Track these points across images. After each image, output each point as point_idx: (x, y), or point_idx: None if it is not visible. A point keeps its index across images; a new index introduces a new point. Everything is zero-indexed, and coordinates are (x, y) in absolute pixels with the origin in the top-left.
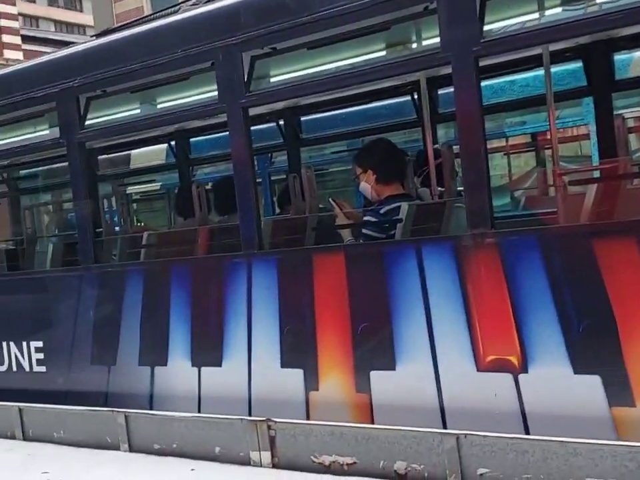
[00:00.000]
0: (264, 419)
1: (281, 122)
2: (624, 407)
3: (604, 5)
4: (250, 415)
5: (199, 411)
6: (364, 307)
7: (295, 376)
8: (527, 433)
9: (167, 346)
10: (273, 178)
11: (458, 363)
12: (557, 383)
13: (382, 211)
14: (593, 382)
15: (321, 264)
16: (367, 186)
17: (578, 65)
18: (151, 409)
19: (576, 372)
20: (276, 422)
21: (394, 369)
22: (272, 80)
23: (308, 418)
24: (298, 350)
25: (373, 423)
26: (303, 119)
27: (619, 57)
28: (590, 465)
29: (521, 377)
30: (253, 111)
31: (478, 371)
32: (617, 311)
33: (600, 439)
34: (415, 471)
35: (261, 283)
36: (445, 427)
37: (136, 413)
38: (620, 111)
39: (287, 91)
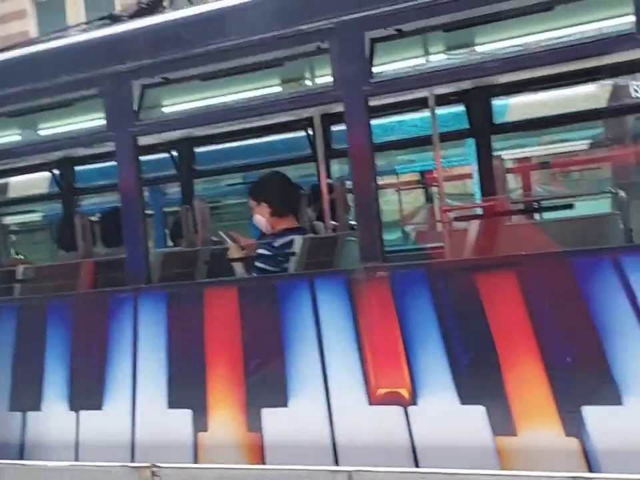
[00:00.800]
0: (148, 464)
1: (174, 153)
2: (506, 436)
3: (483, 54)
4: (133, 460)
5: (77, 459)
6: (256, 343)
7: (183, 417)
8: (417, 465)
9: (41, 389)
10: (165, 210)
11: (350, 397)
12: (445, 414)
13: (276, 244)
14: (478, 412)
15: (212, 298)
16: (261, 219)
17: (461, 108)
18: (21, 458)
19: (462, 403)
20: (160, 467)
21: (286, 406)
22: (164, 110)
23: (196, 461)
24: (186, 389)
25: (264, 462)
26: (197, 150)
27: (497, 102)
28: None
29: (410, 409)
30: (144, 141)
31: (370, 404)
32: (498, 342)
33: (485, 468)
34: None
35: (148, 319)
36: (337, 464)
37: (3, 463)
38: (499, 152)
39: (178, 121)
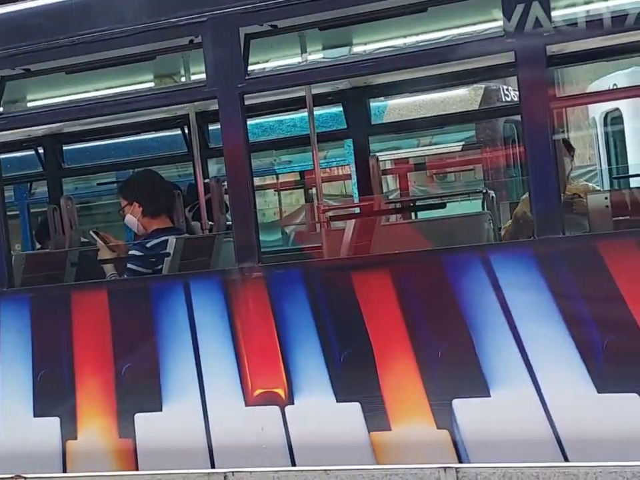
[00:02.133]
0: (12, 475)
1: (40, 150)
2: (381, 432)
3: (359, 53)
4: None
5: None
6: (128, 347)
7: (50, 425)
8: (294, 464)
9: None
10: (32, 210)
11: (226, 398)
12: (321, 412)
13: (148, 245)
14: (354, 409)
15: (80, 302)
16: (132, 219)
17: (339, 109)
18: None
19: (338, 400)
20: (27, 478)
21: (160, 410)
22: (27, 104)
23: (65, 470)
24: (54, 397)
25: (137, 469)
26: (66, 147)
27: (375, 104)
28: None
29: (288, 408)
30: (7, 138)
31: (246, 405)
32: (373, 340)
33: (361, 463)
34: None
35: (11, 325)
36: (213, 466)
37: None
38: (377, 153)
39: (40, 115)
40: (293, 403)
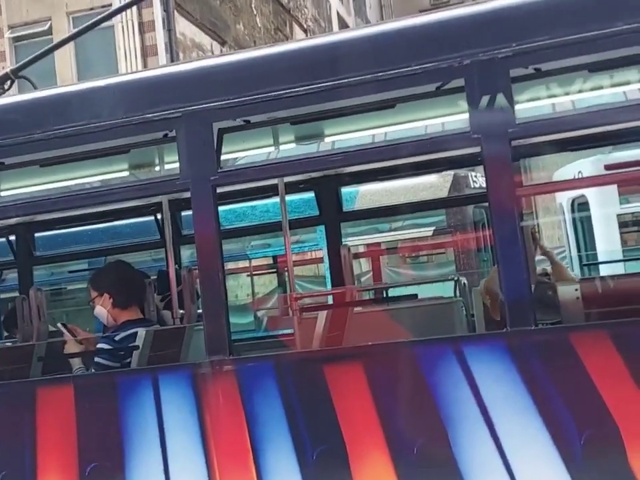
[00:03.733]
0: None
1: (12, 237)
2: None
3: (331, 147)
4: None
5: None
6: (94, 445)
7: None
8: None
9: None
10: (1, 297)
11: None
12: None
13: (117, 338)
14: None
15: (45, 398)
16: (102, 310)
17: (311, 195)
18: None
19: None
20: None
21: None
22: (2, 194)
23: None
24: None
25: None
26: (38, 235)
27: (346, 190)
28: None
29: None
30: None
31: None
32: (346, 436)
33: None
34: None
35: None
36: None
37: None
38: (351, 237)
39: (13, 207)
40: None
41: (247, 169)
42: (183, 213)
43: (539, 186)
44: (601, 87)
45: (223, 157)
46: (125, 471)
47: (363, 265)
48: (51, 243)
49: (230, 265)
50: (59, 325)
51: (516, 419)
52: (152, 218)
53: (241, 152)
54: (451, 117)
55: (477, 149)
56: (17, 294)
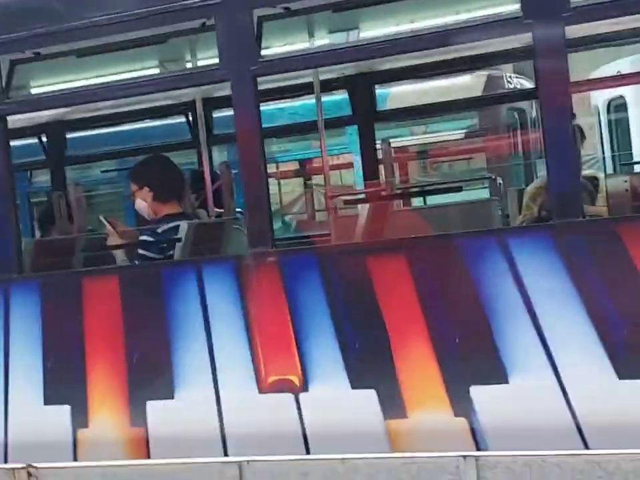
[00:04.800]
0: (23, 465)
1: (44, 138)
2: (397, 419)
3: (370, 38)
4: (7, 461)
5: None
6: (140, 334)
7: (61, 413)
8: (308, 452)
9: None
10: (33, 200)
11: (240, 386)
12: (336, 399)
13: (159, 230)
14: (369, 396)
15: (91, 288)
16: (143, 204)
17: (344, 95)
18: None
19: (353, 387)
20: (37, 467)
21: (172, 398)
22: (32, 90)
23: (76, 459)
24: (64, 384)
25: (149, 457)
26: (69, 135)
27: (379, 90)
28: (369, 479)
29: (302, 396)
30: (12, 124)
31: (260, 392)
32: (389, 326)
33: (377, 452)
34: None
35: (21, 311)
36: (226, 455)
37: None
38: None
39: (46, 100)
40: (307, 390)
41: (289, 57)
42: (214, 114)
43: (589, 82)
44: None
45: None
46: (170, 358)
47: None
48: (83, 143)
49: None
50: (101, 217)
51: (559, 311)
52: (183, 119)
53: (280, 46)
54: (497, 8)
55: (527, 38)
56: (43, 198)
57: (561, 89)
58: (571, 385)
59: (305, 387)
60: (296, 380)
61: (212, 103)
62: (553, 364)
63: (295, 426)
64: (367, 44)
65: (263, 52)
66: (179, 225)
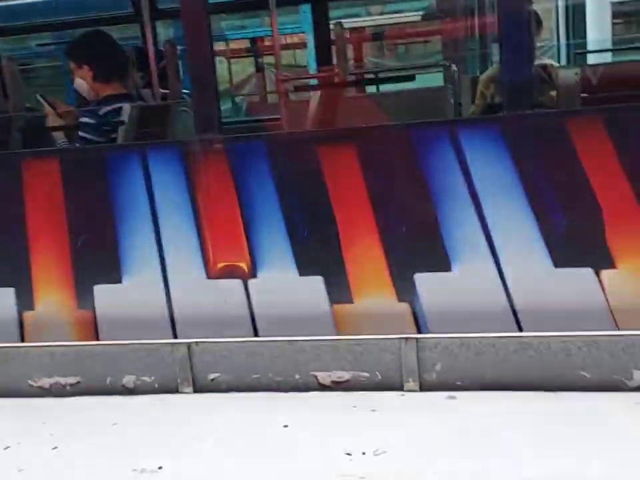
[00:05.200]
0: None
1: None
2: (343, 304)
3: None
4: None
5: None
6: (84, 218)
7: (5, 295)
8: (257, 335)
9: None
10: None
11: (188, 271)
12: (284, 285)
13: (101, 112)
14: (316, 282)
15: (31, 171)
16: (82, 83)
17: None
18: None
19: (301, 274)
20: None
21: (120, 282)
22: None
23: (23, 341)
24: (8, 268)
25: (98, 339)
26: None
27: None
28: (314, 359)
29: (251, 282)
30: None
31: (208, 278)
32: (337, 214)
33: (323, 334)
34: (145, 383)
35: None
36: (175, 337)
37: None
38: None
39: None
40: (255, 277)
41: None
42: None
43: None
44: None
45: None
46: (117, 242)
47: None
48: (15, 12)
49: None
50: (38, 96)
51: (503, 202)
52: None
53: None
54: None
55: None
56: None
57: None
58: (509, 272)
59: (253, 273)
60: (244, 266)
61: None
62: (494, 253)
63: (243, 310)
64: None
65: None
66: (121, 107)
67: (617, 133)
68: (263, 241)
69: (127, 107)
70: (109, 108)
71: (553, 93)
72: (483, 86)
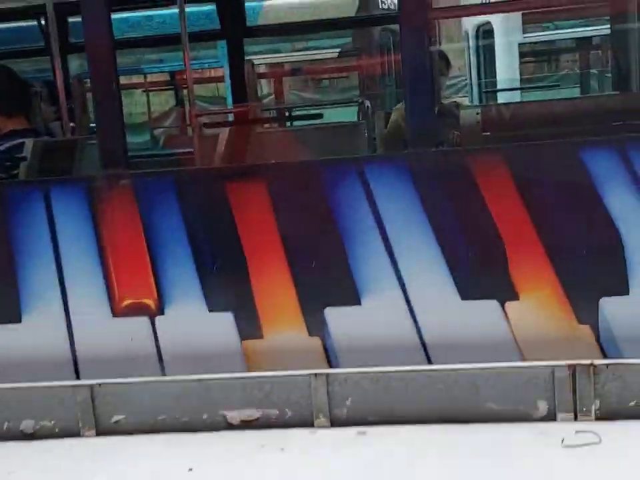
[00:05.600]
0: None
1: None
2: (254, 340)
3: None
4: None
5: None
6: None
7: None
8: (164, 374)
9: None
10: None
11: (92, 310)
12: (193, 322)
13: (2, 148)
14: (226, 318)
15: None
16: None
17: (212, 7)
18: None
19: (211, 310)
20: None
21: (19, 322)
22: None
23: None
24: None
25: None
26: None
27: (250, 4)
28: (222, 398)
29: (158, 319)
30: None
31: (114, 316)
32: (247, 249)
33: (233, 371)
34: (45, 428)
35: None
36: (78, 378)
37: None
38: (252, 56)
39: None
40: (163, 314)
41: None
42: (70, 19)
43: (450, 9)
44: None
45: None
46: (17, 281)
47: (265, 88)
48: None
49: (123, 80)
50: None
51: (410, 236)
52: (35, 23)
53: None
54: None
55: None
56: None
57: (421, 15)
58: (417, 305)
59: (160, 310)
60: (151, 303)
61: (67, 8)
62: (402, 286)
63: (150, 348)
64: None
65: None
66: (23, 142)
67: (517, 169)
68: (171, 277)
69: (29, 142)
70: (10, 144)
71: (457, 131)
72: (397, 115)
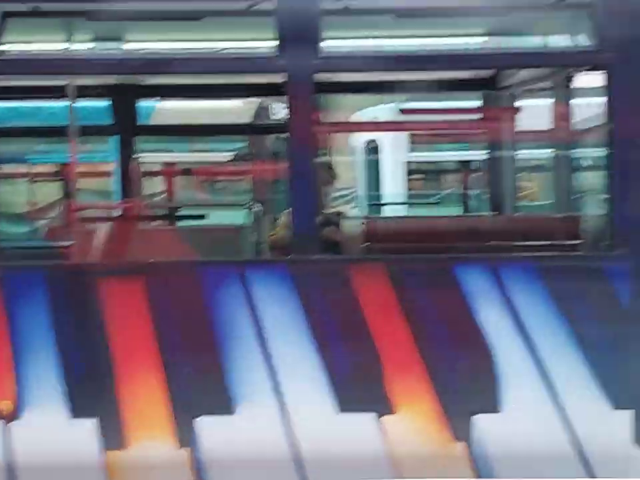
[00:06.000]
0: None
1: None
2: (117, 450)
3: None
4: None
5: None
6: None
7: None
8: None
9: None
10: None
11: None
12: (53, 428)
13: None
14: (89, 426)
15: None
16: None
17: (107, 103)
18: None
19: (75, 416)
20: None
21: None
22: None
23: None
24: None
25: None
26: None
27: (144, 104)
28: None
29: (13, 424)
30: None
31: None
32: (116, 353)
33: None
34: None
35: None
36: None
37: None
38: (146, 154)
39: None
40: (19, 418)
41: (35, 60)
42: None
43: (337, 124)
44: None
45: (5, 46)
46: None
47: (157, 186)
48: None
49: (6, 169)
50: None
51: (290, 343)
52: None
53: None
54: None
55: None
56: None
57: (307, 130)
58: (294, 416)
59: (17, 414)
60: (8, 406)
61: None
62: (279, 396)
63: (1, 457)
64: (126, 58)
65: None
66: None
67: (396, 281)
68: (31, 379)
69: None
70: None
71: (340, 240)
72: (286, 219)
